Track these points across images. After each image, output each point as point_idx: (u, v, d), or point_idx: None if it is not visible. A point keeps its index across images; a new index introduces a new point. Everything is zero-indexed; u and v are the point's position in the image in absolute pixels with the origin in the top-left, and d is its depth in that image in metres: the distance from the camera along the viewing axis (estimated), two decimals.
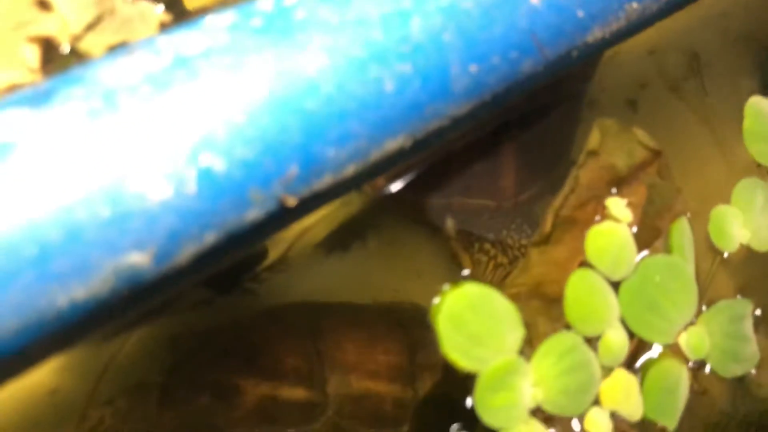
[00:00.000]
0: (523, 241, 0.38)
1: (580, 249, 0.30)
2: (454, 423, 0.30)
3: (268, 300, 0.39)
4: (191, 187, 0.19)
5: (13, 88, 0.20)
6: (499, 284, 0.32)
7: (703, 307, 0.31)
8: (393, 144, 0.23)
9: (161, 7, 0.23)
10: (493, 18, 0.24)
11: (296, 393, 0.35)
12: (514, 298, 0.30)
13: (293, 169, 0.21)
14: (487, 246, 0.37)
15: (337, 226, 0.42)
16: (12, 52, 0.21)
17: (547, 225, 0.30)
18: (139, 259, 0.19)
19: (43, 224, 0.18)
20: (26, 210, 0.18)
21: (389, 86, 0.22)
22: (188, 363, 0.36)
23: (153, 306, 0.38)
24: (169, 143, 0.19)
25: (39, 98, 0.19)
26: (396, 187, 0.39)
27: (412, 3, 0.23)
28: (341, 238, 0.41)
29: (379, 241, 0.42)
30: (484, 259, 0.37)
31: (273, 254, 0.39)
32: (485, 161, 0.37)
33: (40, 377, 0.36)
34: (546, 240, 0.30)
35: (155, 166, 0.19)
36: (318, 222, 0.41)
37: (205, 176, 0.20)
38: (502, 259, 0.38)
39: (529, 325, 0.28)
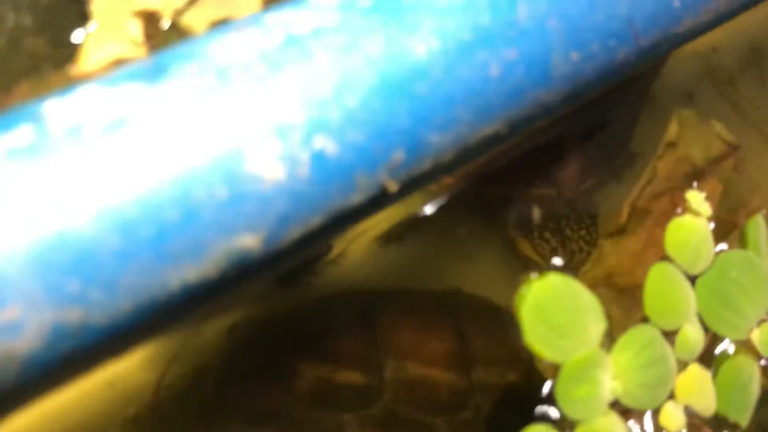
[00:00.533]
0: (582, 232, 0.38)
1: (653, 240, 0.29)
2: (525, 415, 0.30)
3: (325, 289, 0.39)
4: (304, 170, 0.19)
5: (119, 62, 0.20)
6: (573, 275, 0.31)
7: None
8: (491, 129, 0.23)
9: None
10: (596, 4, 0.23)
11: (353, 377, 0.35)
12: (588, 286, 0.30)
13: (399, 154, 0.21)
14: (548, 235, 0.37)
15: (394, 217, 0.41)
16: (117, 25, 0.20)
17: (623, 216, 0.30)
18: (250, 241, 0.19)
19: (161, 204, 0.17)
20: (144, 189, 0.17)
21: (495, 71, 0.22)
22: (248, 346, 0.36)
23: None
24: (284, 124, 0.19)
25: (152, 74, 0.19)
26: (455, 174, 0.38)
27: None
28: (396, 230, 0.41)
29: (434, 232, 0.42)
30: (546, 248, 0.37)
31: (335, 249, 0.39)
32: (547, 150, 0.37)
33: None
34: (620, 231, 0.30)
35: (271, 147, 0.19)
36: (382, 218, 0.40)
37: (318, 159, 0.19)
38: (561, 248, 0.37)
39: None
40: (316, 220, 0.20)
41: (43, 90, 0.18)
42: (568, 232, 0.38)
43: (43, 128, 0.17)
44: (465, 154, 0.23)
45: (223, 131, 0.18)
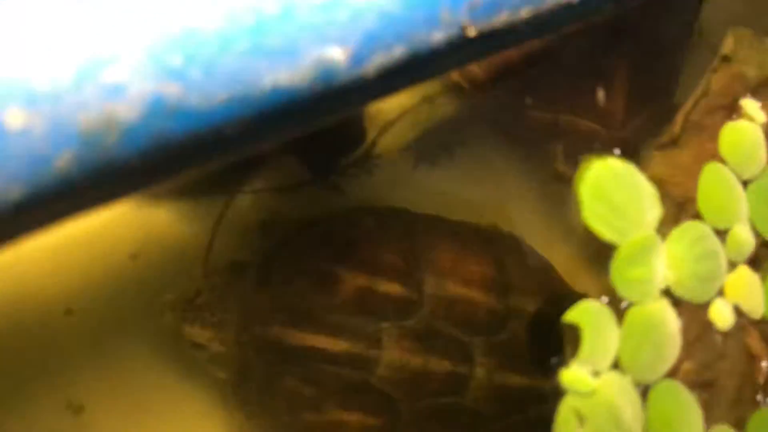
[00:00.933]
0: None
1: (705, 155, 0.30)
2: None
3: (354, 199, 0.39)
4: None
5: None
6: None
7: None
8: None
9: None
10: None
11: (393, 288, 0.35)
12: None
13: None
14: None
15: (422, 131, 0.41)
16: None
17: (677, 127, 0.30)
18: (338, 54, 0.19)
19: None
20: None
21: None
22: (286, 247, 0.36)
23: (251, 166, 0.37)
24: None
25: None
26: (497, 92, 0.38)
27: None
28: (429, 149, 0.41)
29: (468, 159, 0.42)
30: None
31: (360, 149, 0.39)
32: (596, 78, 0.37)
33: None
34: (673, 143, 0.30)
35: None
36: (401, 117, 0.40)
37: None
38: None
39: None
40: (398, 50, 0.21)
41: None
42: None
43: None
44: (538, 18, 0.24)
45: None
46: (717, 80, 0.31)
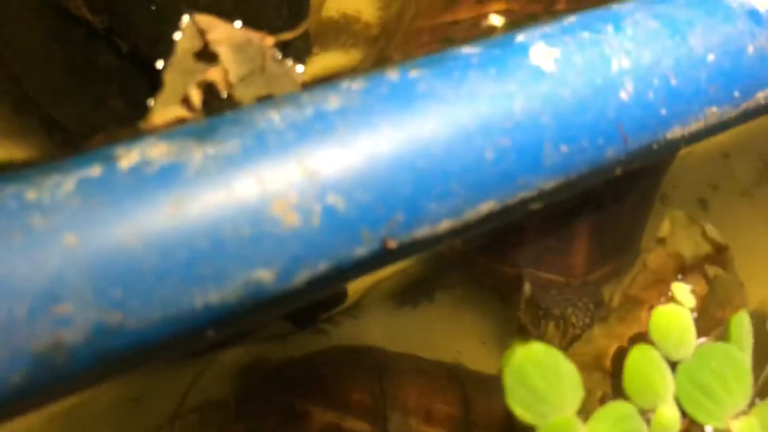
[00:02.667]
0: (586, 320, 0.40)
1: (641, 328, 0.32)
2: None
3: (339, 340, 0.42)
4: (316, 220, 0.23)
5: (180, 121, 0.24)
6: (563, 351, 0.34)
7: (757, 400, 0.32)
8: (485, 207, 0.26)
9: (302, 67, 0.28)
10: (585, 106, 0.27)
11: (360, 426, 0.37)
12: (577, 365, 0.33)
13: (399, 216, 0.24)
14: (552, 324, 0.40)
15: (410, 282, 0.45)
16: (182, 92, 0.25)
17: (615, 301, 0.32)
18: (265, 275, 0.23)
19: (195, 235, 0.21)
20: (183, 221, 0.21)
21: (489, 155, 0.26)
22: (262, 385, 0.39)
23: (233, 335, 0.41)
24: (304, 181, 0.23)
25: (204, 132, 0.23)
26: (471, 250, 0.41)
27: (517, 86, 0.26)
28: (412, 294, 0.44)
29: (448, 301, 0.45)
30: (549, 332, 0.39)
31: (349, 299, 0.42)
32: (559, 237, 0.40)
33: (124, 385, 0.39)
34: (611, 315, 0.32)
35: (291, 198, 0.23)
36: (392, 275, 0.44)
37: (329, 212, 0.23)
38: (563, 335, 0.40)
39: (587, 392, 0.30)
40: (323, 265, 0.24)
41: (115, 140, 0.23)
42: (573, 319, 0.41)
43: (112, 166, 0.22)
44: (462, 225, 0.26)
45: (254, 182, 0.22)
46: (652, 259, 0.33)
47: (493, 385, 0.42)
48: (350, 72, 0.31)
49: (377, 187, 0.24)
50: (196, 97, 0.24)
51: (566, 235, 0.40)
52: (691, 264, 0.32)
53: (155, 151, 0.22)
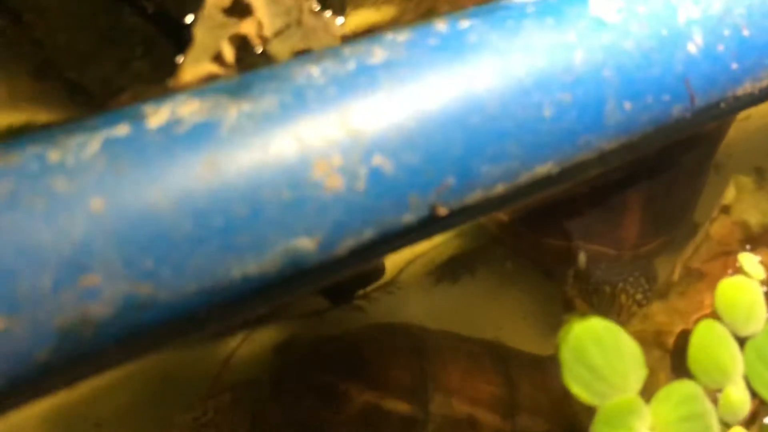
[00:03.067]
0: (638, 296, 0.38)
1: (704, 303, 0.29)
2: None
3: (375, 317, 0.40)
4: (361, 184, 0.21)
5: (211, 77, 0.23)
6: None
7: None
8: (542, 169, 0.24)
9: (341, 20, 0.26)
10: (651, 60, 0.25)
11: (400, 406, 0.35)
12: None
13: (450, 180, 0.22)
14: (604, 295, 0.38)
15: (449, 257, 0.43)
16: (213, 47, 0.23)
17: (675, 275, 0.30)
18: (306, 244, 0.21)
19: (232, 199, 0.20)
20: (220, 184, 0.20)
21: (548, 112, 0.23)
22: (298, 364, 0.37)
23: (268, 311, 0.39)
24: (348, 141, 0.21)
25: (237, 89, 0.21)
26: (515, 222, 0.39)
27: (576, 36, 0.24)
28: (452, 269, 0.42)
29: (489, 278, 0.43)
30: (599, 309, 0.37)
31: (387, 275, 0.40)
32: (609, 208, 0.38)
33: (156, 362, 0.38)
34: (671, 290, 0.30)
35: (334, 160, 0.21)
36: (432, 249, 0.42)
37: (375, 176, 0.21)
38: (615, 312, 0.38)
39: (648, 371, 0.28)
40: (368, 233, 0.22)
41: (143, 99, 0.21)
42: (623, 297, 0.38)
43: (140, 125, 0.20)
44: (516, 190, 0.24)
45: (293, 141, 0.20)
46: (716, 229, 0.30)
47: (537, 365, 0.40)
48: (394, 25, 0.29)
49: (426, 148, 0.22)
50: (228, 52, 0.22)
51: (617, 205, 0.38)
52: (758, 233, 0.30)
53: (186, 109, 0.20)
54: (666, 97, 0.26)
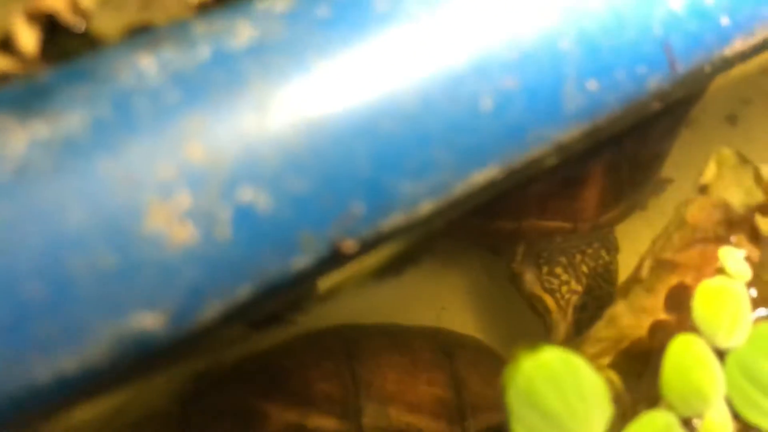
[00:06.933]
0: (599, 269, 0.33)
1: (679, 301, 0.25)
2: None
3: (306, 325, 0.34)
4: (224, 230, 0.15)
5: (2, 79, 0.16)
6: (581, 336, 0.27)
7: None
8: (482, 176, 0.18)
9: None
10: (623, 21, 0.19)
11: (327, 422, 0.30)
12: (598, 355, 0.26)
13: (356, 207, 0.16)
14: (558, 270, 0.33)
15: (392, 253, 0.37)
16: (3, 32, 0.16)
17: (643, 270, 0.25)
18: (149, 321, 0.14)
19: (22, 276, 0.13)
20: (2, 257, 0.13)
21: (487, 104, 0.17)
22: (214, 388, 0.32)
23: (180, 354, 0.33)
24: (200, 171, 0.14)
25: (31, 100, 0.14)
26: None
27: None
28: (396, 264, 0.37)
29: (433, 263, 0.38)
30: (555, 283, 0.32)
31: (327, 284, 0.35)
32: (566, 181, 0.32)
33: None
34: (639, 287, 0.25)
35: (179, 201, 0.14)
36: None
37: (244, 216, 0.15)
38: (575, 285, 0.33)
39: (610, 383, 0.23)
40: (244, 290, 0.16)
41: None
42: (583, 268, 0.34)
43: None
44: (450, 205, 0.18)
45: (112, 178, 0.14)
46: (693, 213, 0.25)
47: (483, 354, 0.35)
48: None
49: (319, 169, 0.15)
50: (26, 36, 0.15)
51: (575, 177, 0.32)
52: (740, 216, 0.25)
53: None
54: (641, 69, 0.19)
